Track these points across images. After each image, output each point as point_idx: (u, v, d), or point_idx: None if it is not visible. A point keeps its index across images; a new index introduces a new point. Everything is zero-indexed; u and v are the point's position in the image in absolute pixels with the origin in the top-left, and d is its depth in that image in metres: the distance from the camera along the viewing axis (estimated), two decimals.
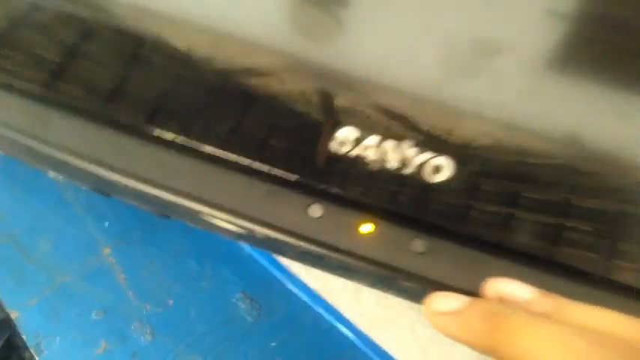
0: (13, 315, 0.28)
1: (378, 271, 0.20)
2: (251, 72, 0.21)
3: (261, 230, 0.20)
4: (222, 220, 0.21)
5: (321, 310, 0.28)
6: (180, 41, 0.22)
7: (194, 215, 0.21)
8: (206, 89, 0.21)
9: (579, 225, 0.19)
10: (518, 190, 0.20)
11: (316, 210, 0.20)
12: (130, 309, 0.28)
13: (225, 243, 0.29)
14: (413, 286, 0.20)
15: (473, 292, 0.19)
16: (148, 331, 0.28)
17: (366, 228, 0.20)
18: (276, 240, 0.20)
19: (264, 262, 0.29)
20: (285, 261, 0.29)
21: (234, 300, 0.28)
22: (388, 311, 0.27)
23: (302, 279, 0.29)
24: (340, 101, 0.21)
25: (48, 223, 0.29)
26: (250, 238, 0.21)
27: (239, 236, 0.22)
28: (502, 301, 0.18)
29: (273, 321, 0.28)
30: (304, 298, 0.28)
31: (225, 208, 0.20)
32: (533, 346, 0.16)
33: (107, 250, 0.29)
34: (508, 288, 0.18)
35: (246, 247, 0.29)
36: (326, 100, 0.21)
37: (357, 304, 0.28)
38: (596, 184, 0.20)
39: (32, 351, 0.27)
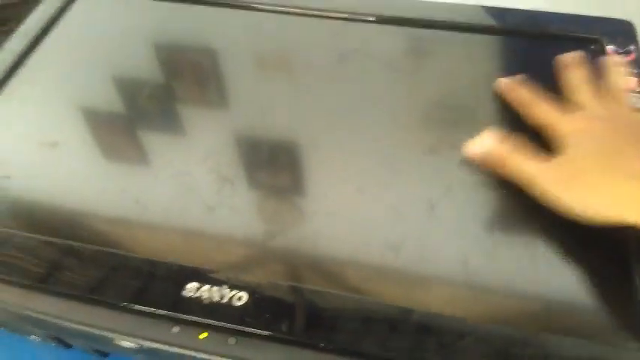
0: None
1: (213, 359, 0.35)
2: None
3: (146, 344, 0.36)
4: (127, 342, 0.36)
5: None
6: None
7: (110, 341, 0.37)
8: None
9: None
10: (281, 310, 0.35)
11: (176, 329, 0.34)
12: None
13: None
14: None
15: None
16: None
17: (203, 335, 0.34)
18: (155, 349, 0.36)
19: None
20: None
21: None
22: None
23: None
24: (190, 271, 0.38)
25: None
26: (142, 350, 0.37)
27: (136, 351, 0.37)
28: None
29: None
30: None
31: (128, 334, 0.36)
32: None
33: None
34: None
35: None
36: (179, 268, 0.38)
37: None
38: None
39: None
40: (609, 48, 0.49)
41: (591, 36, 0.50)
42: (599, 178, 0.34)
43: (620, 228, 0.34)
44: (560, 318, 0.34)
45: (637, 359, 0.32)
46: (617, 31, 0.50)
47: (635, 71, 0.46)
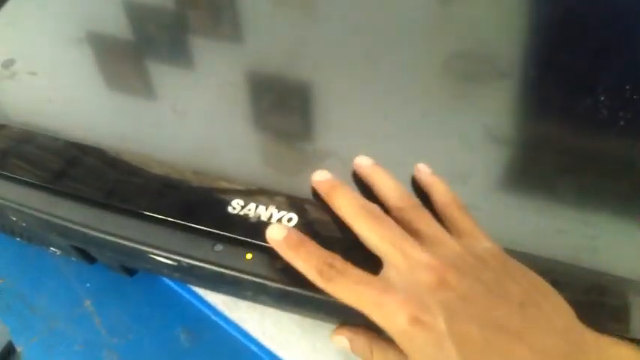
0: (19, 349, 0.39)
1: (259, 281, 0.32)
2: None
3: (186, 261, 0.33)
4: (164, 258, 0.33)
5: (236, 334, 0.39)
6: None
7: (148, 256, 0.34)
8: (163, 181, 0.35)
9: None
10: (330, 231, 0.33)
11: (219, 247, 0.32)
12: (102, 342, 0.39)
13: (168, 293, 0.41)
14: (280, 288, 0.32)
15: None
16: (115, 357, 0.39)
17: (249, 256, 0.33)
18: (194, 267, 0.33)
19: (197, 304, 0.41)
20: (211, 301, 0.41)
21: (176, 333, 0.39)
22: (281, 331, 0.39)
23: (223, 313, 0.41)
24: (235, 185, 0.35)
25: (47, 286, 0.41)
26: (181, 268, 0.34)
27: (173, 269, 0.34)
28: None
29: (204, 345, 0.39)
30: (225, 326, 0.40)
31: (166, 249, 0.33)
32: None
33: (88, 302, 0.41)
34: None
35: (184, 293, 0.41)
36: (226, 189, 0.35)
37: (260, 327, 0.40)
38: None
39: None
40: None
41: None
42: None
43: None
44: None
45: None
46: None
47: None
